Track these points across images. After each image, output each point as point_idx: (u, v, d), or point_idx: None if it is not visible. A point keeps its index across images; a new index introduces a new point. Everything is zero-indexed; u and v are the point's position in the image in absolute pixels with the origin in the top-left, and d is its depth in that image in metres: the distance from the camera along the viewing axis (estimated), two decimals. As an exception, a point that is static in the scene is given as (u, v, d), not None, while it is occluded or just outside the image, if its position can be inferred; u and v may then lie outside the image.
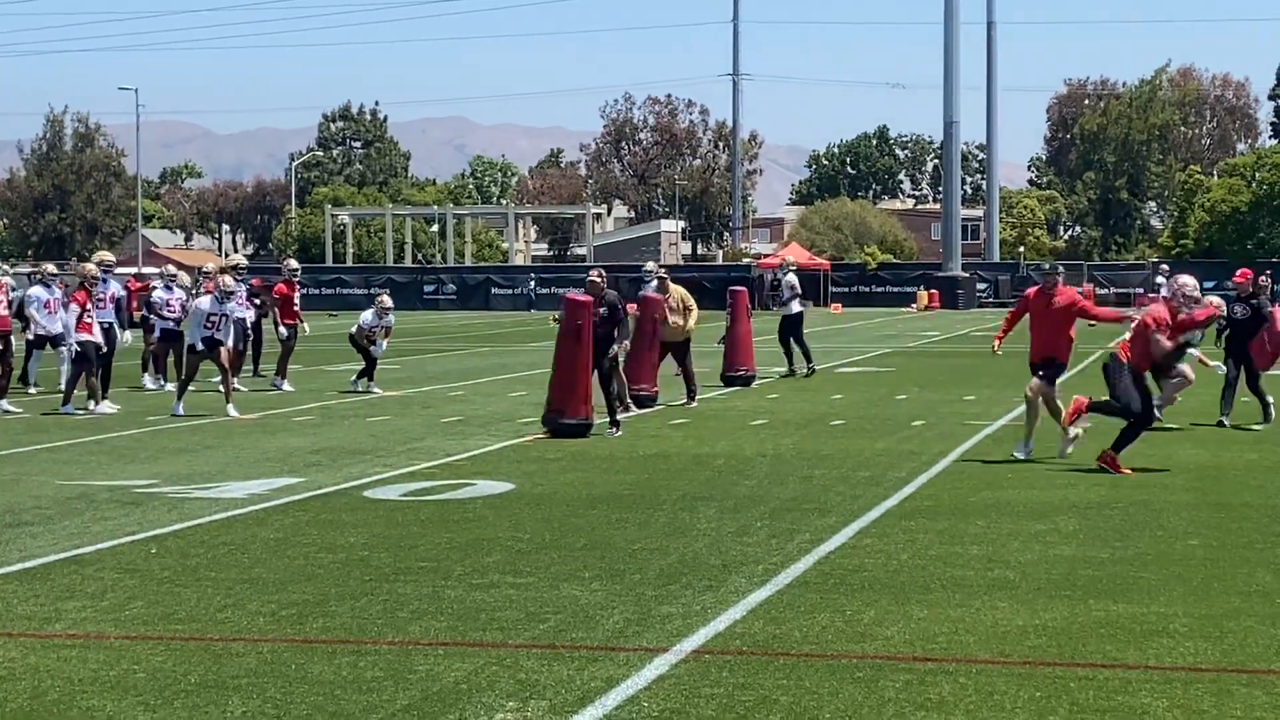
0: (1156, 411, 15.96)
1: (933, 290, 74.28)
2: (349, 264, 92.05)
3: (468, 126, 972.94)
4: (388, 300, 24.11)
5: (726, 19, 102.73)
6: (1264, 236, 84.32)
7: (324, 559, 10.07)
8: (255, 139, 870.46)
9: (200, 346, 20.08)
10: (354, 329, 23.84)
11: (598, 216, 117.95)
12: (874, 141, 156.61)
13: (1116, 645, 7.69)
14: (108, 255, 22.33)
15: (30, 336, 23.42)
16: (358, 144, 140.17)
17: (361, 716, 6.57)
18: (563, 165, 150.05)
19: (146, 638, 7.96)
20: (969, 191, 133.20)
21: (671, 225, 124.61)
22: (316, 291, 71.53)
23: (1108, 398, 14.42)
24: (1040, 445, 16.19)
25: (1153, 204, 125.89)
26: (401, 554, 10.22)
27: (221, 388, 20.35)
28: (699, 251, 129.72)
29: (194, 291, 25.12)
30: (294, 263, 27.00)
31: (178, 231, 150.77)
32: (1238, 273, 19.22)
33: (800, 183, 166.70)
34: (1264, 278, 19.84)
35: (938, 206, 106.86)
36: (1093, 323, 15.90)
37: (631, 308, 20.87)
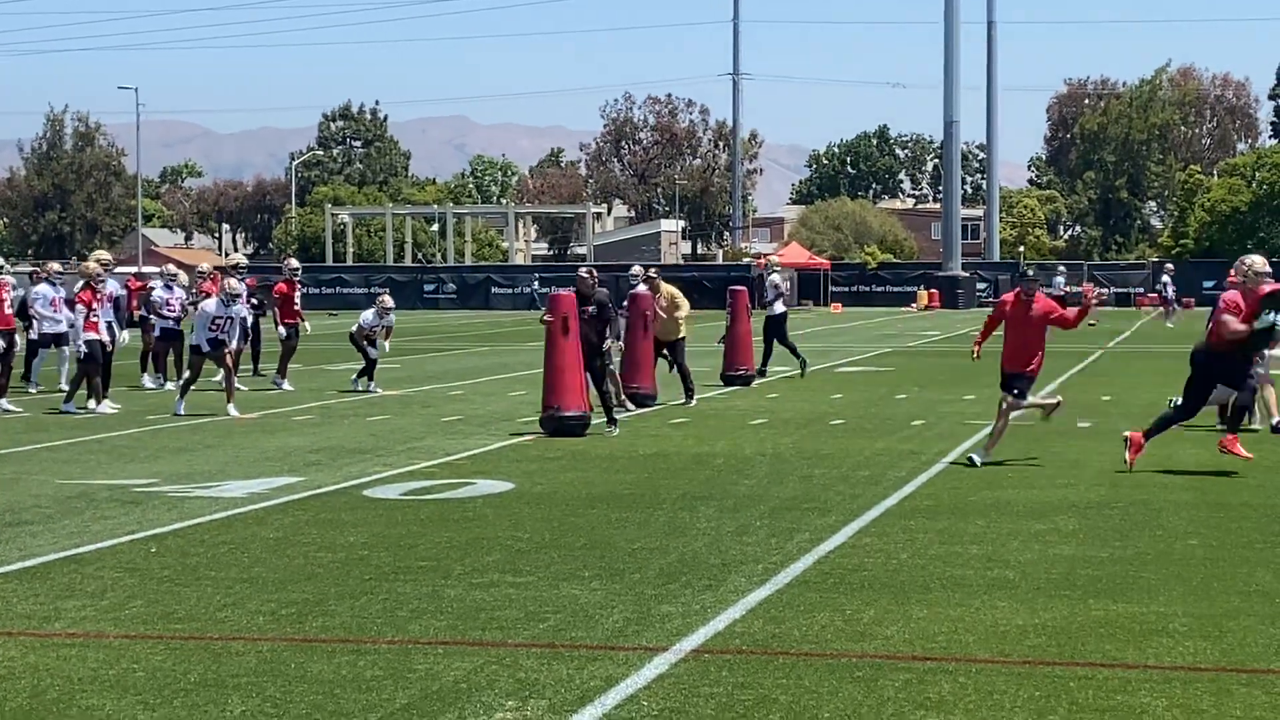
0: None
1: (933, 290, 74.28)
2: (349, 263, 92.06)
3: (468, 126, 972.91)
4: (389, 300, 24.10)
5: (727, 18, 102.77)
6: (1264, 236, 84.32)
7: (324, 558, 10.07)
8: (255, 138, 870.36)
9: (206, 348, 20.10)
10: (354, 328, 23.84)
11: (598, 216, 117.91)
12: (874, 141, 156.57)
13: (1116, 645, 7.69)
14: (105, 254, 22.30)
15: (34, 335, 23.44)
16: (358, 143, 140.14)
17: (361, 715, 6.57)
18: (563, 165, 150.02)
19: (146, 637, 7.96)
20: (969, 191, 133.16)
21: (671, 225, 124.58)
22: (316, 291, 71.51)
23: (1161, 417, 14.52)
24: (1041, 445, 16.20)
25: (1153, 204, 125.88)
26: (401, 553, 10.22)
27: (224, 386, 20.36)
28: (699, 251, 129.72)
29: (192, 291, 25.12)
30: (294, 262, 26.97)
31: (178, 231, 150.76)
32: (1234, 273, 18.91)
33: (800, 182, 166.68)
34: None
35: (938, 206, 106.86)
36: (1070, 327, 15.46)
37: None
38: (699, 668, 7.28)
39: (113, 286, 23.20)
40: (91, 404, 20.43)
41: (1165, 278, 51.51)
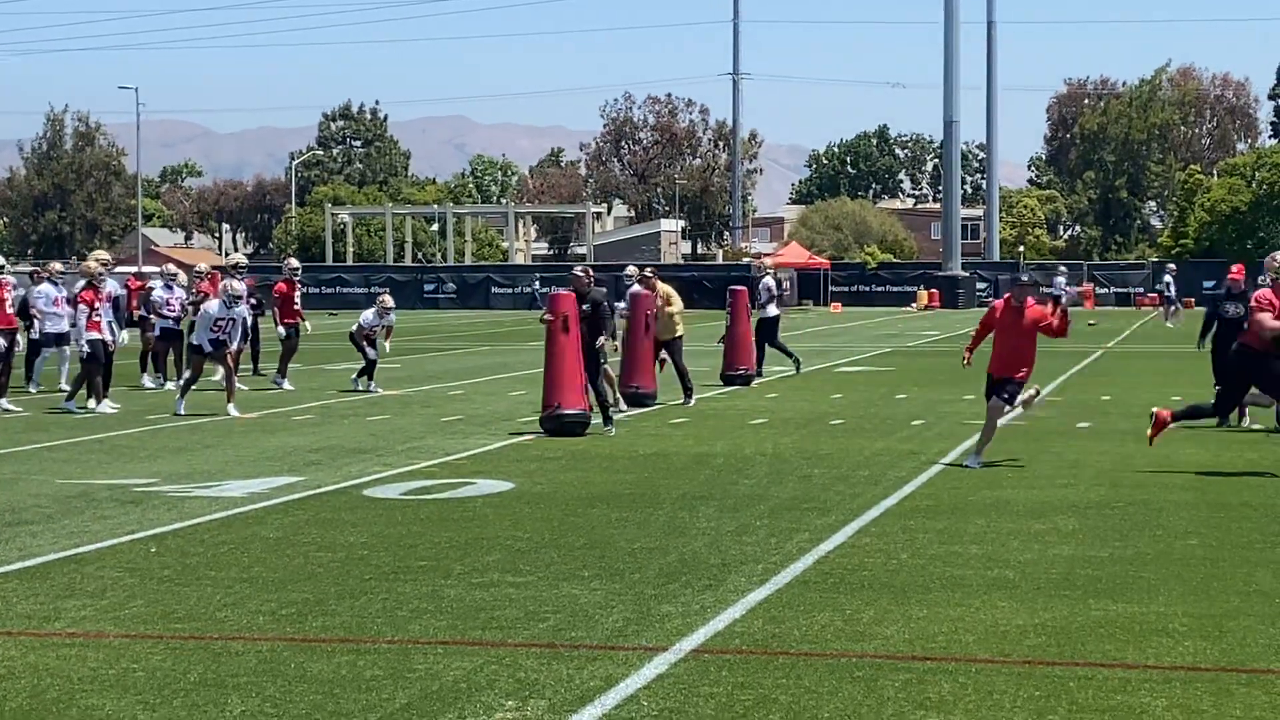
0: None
1: (932, 290, 74.24)
2: (349, 263, 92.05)
3: (468, 125, 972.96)
4: (389, 300, 24.08)
5: (727, 18, 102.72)
6: (1264, 236, 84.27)
7: (323, 558, 10.08)
8: (255, 138, 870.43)
9: (208, 349, 20.11)
10: (354, 327, 23.83)
11: (598, 216, 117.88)
12: (874, 141, 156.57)
13: (1116, 645, 7.69)
14: (104, 254, 22.29)
15: (35, 335, 23.44)
16: (358, 143, 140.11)
17: (361, 715, 6.57)
18: (563, 164, 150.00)
19: (146, 636, 7.96)
20: (969, 191, 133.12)
21: (671, 224, 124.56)
22: (316, 290, 71.50)
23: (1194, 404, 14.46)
24: (1041, 445, 16.21)
25: (1153, 203, 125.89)
26: (401, 553, 10.22)
27: (224, 385, 20.37)
28: (699, 251, 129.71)
29: (191, 291, 25.11)
30: (294, 261, 26.95)
31: (178, 230, 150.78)
32: (1234, 269, 18.89)
33: (800, 182, 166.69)
34: (1264, 278, 19.62)
35: (938, 206, 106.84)
36: (1059, 335, 15.02)
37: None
38: (699, 668, 7.28)
39: (112, 286, 23.19)
40: (91, 404, 20.44)
41: (1168, 278, 51.50)
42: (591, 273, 18.64)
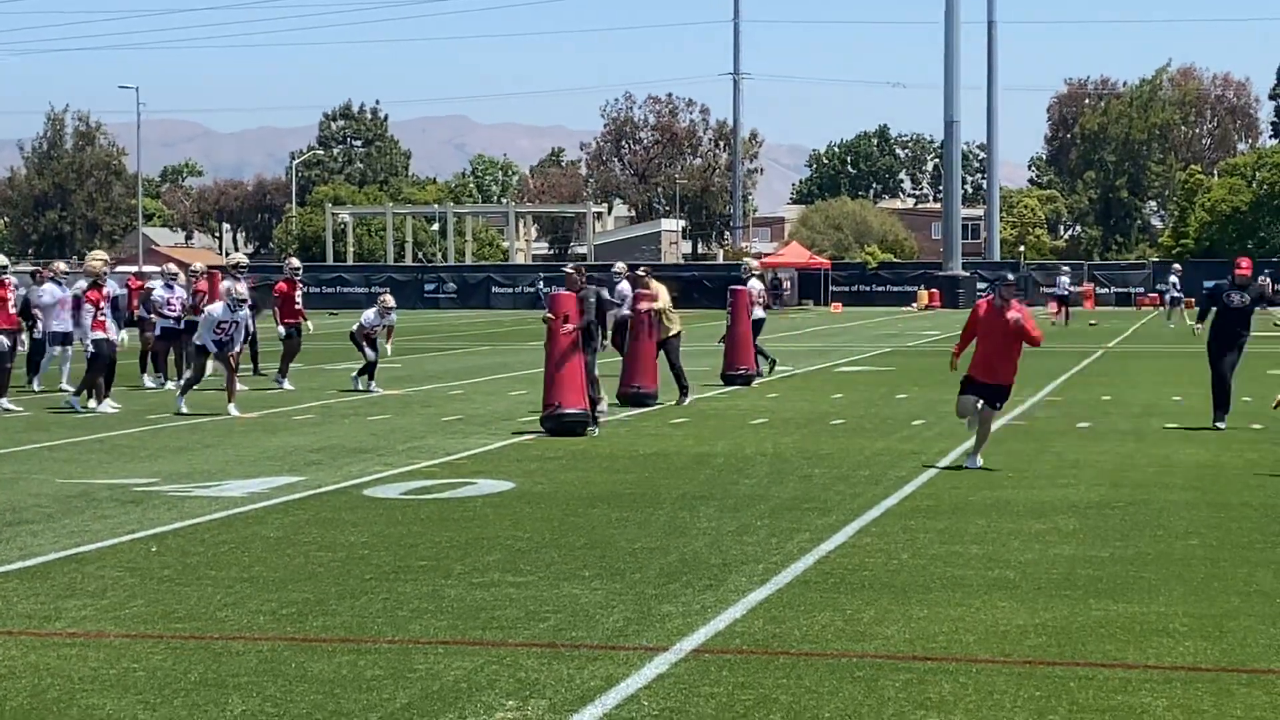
0: None
1: (933, 290, 74.24)
2: (350, 263, 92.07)
3: (468, 125, 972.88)
4: (390, 300, 24.07)
5: (727, 18, 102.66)
6: (1264, 236, 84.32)
7: (324, 558, 10.08)
8: (256, 138, 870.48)
9: (212, 349, 20.13)
10: (354, 327, 23.82)
11: (598, 215, 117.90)
12: (874, 141, 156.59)
13: (1116, 645, 7.69)
14: (102, 254, 22.29)
15: (38, 335, 23.46)
16: (358, 143, 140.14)
17: (361, 715, 6.57)
18: (563, 164, 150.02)
19: (146, 636, 7.96)
20: (969, 191, 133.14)
21: (672, 224, 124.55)
22: (317, 290, 71.47)
23: None
24: (1041, 445, 16.20)
25: (1153, 203, 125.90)
26: (401, 553, 10.22)
27: (225, 385, 20.38)
28: (699, 251, 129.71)
29: (189, 289, 25.08)
30: (295, 261, 26.91)
31: (178, 230, 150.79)
32: (1242, 263, 18.57)
33: (801, 182, 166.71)
34: (1264, 278, 19.64)
35: (938, 206, 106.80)
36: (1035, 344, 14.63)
37: (642, 304, 20.94)
38: (699, 667, 7.28)
39: (111, 286, 23.21)
40: (92, 403, 20.44)
41: (1173, 278, 51.57)
42: (584, 271, 18.64)
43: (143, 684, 7.05)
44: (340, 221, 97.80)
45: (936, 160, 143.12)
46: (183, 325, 23.91)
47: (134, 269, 59.79)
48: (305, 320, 25.27)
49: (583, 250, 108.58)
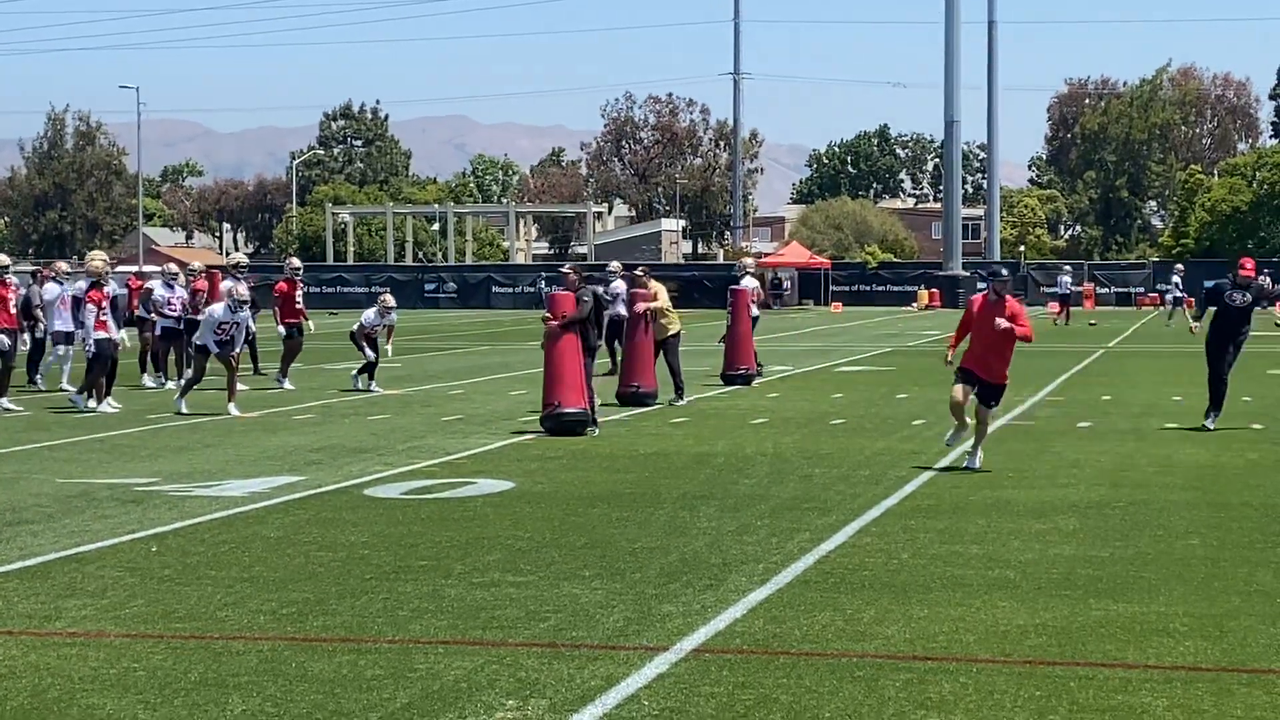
0: None
1: (933, 289, 74.21)
2: (350, 262, 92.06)
3: (468, 125, 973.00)
4: (390, 299, 24.07)
5: (727, 18, 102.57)
6: (1264, 236, 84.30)
7: (324, 557, 10.07)
8: (256, 137, 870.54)
9: (214, 349, 20.13)
10: (355, 327, 23.82)
11: (598, 215, 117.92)
12: (875, 140, 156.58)
13: (1117, 644, 7.69)
14: (101, 254, 22.28)
15: (40, 334, 23.47)
16: (359, 143, 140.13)
17: (361, 715, 6.57)
18: (563, 164, 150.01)
19: (147, 636, 7.96)
20: (969, 190, 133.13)
21: (672, 224, 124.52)
22: (317, 290, 71.49)
23: None
24: (1042, 445, 16.20)
25: (1153, 203, 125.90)
26: (402, 552, 10.22)
27: (225, 385, 20.39)
28: (700, 250, 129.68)
29: (187, 288, 25.08)
30: (296, 261, 26.89)
31: (179, 230, 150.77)
32: (1246, 263, 18.36)
33: (801, 182, 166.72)
34: (1264, 277, 19.54)
35: (938, 206, 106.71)
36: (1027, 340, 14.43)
37: (641, 305, 20.94)
38: (699, 667, 7.28)
39: (111, 286, 23.21)
40: (92, 403, 20.45)
41: (1175, 278, 51.61)
42: (580, 271, 18.67)
43: (143, 684, 7.05)
44: (340, 221, 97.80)
45: (937, 160, 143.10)
46: (183, 325, 23.91)
47: (134, 269, 59.77)
48: (306, 320, 25.26)
49: (583, 250, 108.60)
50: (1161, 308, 66.49)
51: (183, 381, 21.21)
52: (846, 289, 76.73)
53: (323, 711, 6.61)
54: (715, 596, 8.79)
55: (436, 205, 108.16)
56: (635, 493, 12.89)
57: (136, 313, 25.95)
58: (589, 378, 17.63)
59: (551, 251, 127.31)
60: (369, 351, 23.19)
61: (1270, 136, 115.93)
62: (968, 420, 14.37)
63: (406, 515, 11.77)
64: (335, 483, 13.57)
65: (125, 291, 27.36)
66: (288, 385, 24.06)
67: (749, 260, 29.34)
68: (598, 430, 17.45)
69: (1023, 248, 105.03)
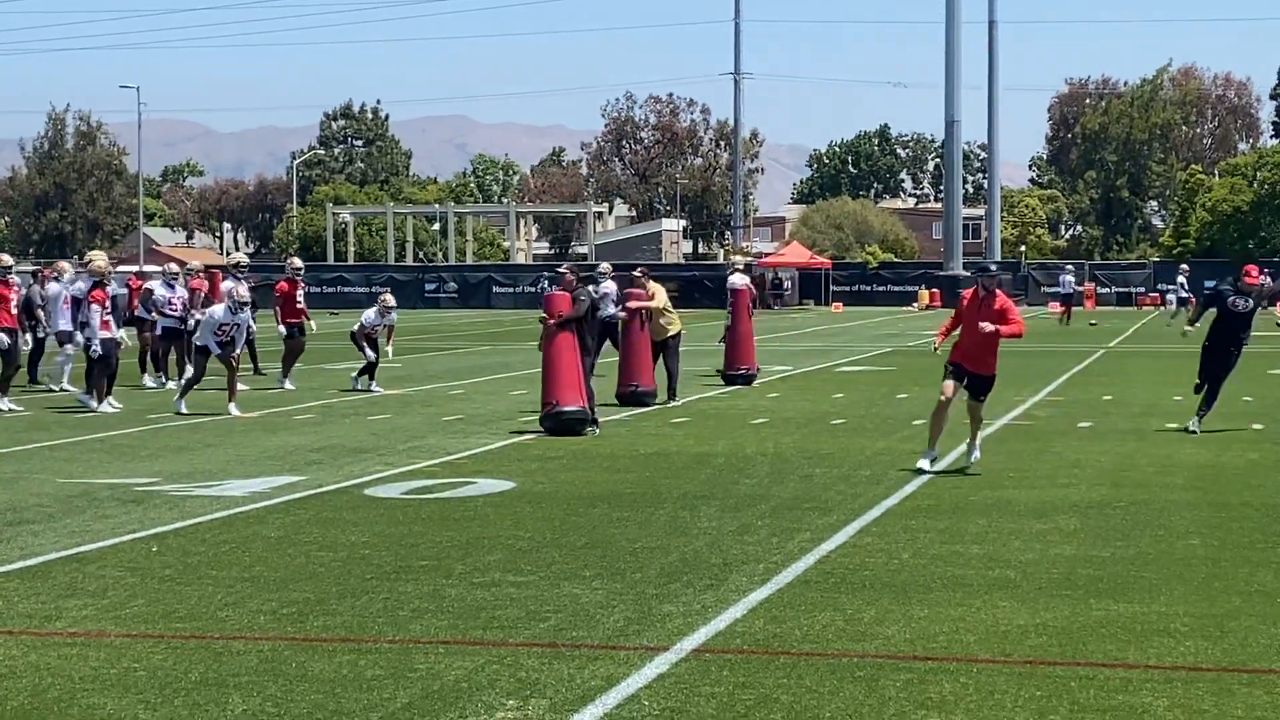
0: None
1: (934, 289, 74.19)
2: (350, 262, 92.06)
3: (469, 125, 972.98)
4: (390, 299, 24.07)
5: (728, 18, 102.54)
6: (1265, 236, 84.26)
7: (325, 557, 10.07)
8: (256, 137, 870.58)
9: (215, 350, 20.14)
10: (355, 327, 23.82)
11: (599, 215, 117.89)
12: (875, 140, 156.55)
13: (1117, 644, 7.69)
14: (102, 254, 22.29)
15: (41, 334, 23.47)
16: (359, 142, 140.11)
17: (362, 715, 6.57)
18: (564, 164, 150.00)
19: (147, 636, 7.97)
20: (970, 190, 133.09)
21: (673, 224, 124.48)
22: (318, 290, 71.45)
23: None
24: (1042, 445, 16.20)
25: (1154, 203, 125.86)
26: (402, 552, 10.22)
27: (226, 384, 20.40)
28: (700, 250, 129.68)
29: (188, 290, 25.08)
30: (298, 261, 26.85)
31: (179, 230, 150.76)
32: (1252, 271, 18.16)
33: (801, 181, 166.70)
34: (1264, 276, 19.46)
35: (939, 205, 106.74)
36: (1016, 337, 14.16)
37: (636, 302, 20.95)
38: (700, 667, 7.28)
39: (112, 286, 23.21)
40: (93, 403, 20.45)
41: (1181, 278, 51.67)
42: (577, 271, 18.71)
43: (143, 683, 7.05)
44: (341, 221, 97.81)
45: (937, 160, 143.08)
46: (184, 325, 23.91)
47: (134, 269, 59.78)
48: (308, 319, 25.25)
49: (583, 250, 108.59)
50: (1163, 308, 66.50)
51: (183, 382, 21.21)
52: (847, 289, 76.75)
53: (323, 711, 6.61)
54: (716, 596, 8.79)
55: (437, 205, 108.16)
56: (636, 493, 12.89)
57: (136, 313, 25.95)
58: (587, 377, 17.64)
59: (552, 251, 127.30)
60: (369, 352, 23.19)
61: (1271, 136, 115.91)
62: (943, 428, 14.17)
63: (407, 515, 11.77)
64: (336, 483, 13.58)
65: (125, 291, 27.35)
66: (288, 385, 24.05)
67: (738, 258, 29.29)
68: (598, 430, 17.45)
69: (1023, 248, 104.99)
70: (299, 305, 25.07)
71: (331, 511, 11.99)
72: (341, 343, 29.37)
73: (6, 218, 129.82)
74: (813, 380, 25.73)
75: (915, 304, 72.46)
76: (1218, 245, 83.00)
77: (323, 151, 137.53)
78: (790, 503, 12.27)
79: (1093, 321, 51.83)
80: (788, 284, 75.45)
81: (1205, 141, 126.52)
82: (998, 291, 14.21)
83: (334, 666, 7.32)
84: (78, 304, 21.81)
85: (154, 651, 7.63)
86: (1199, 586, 9.08)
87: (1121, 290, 73.64)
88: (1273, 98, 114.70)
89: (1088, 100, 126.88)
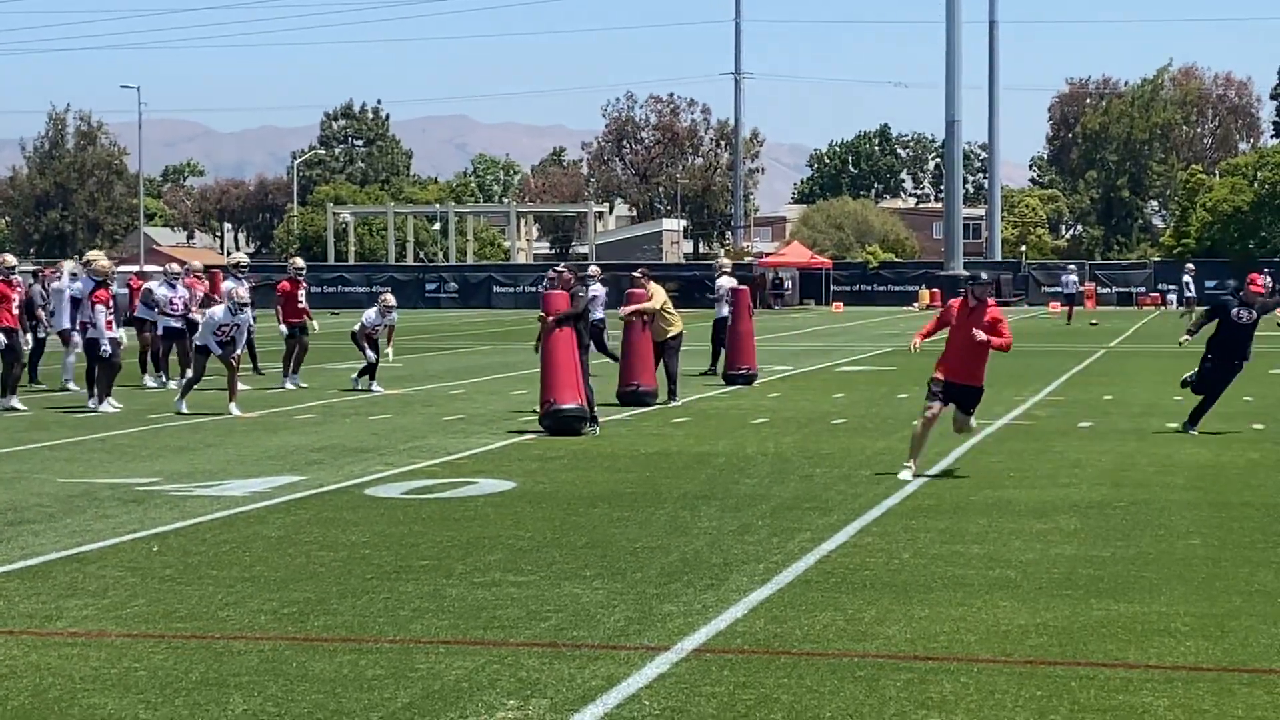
0: None
1: (934, 289, 74.19)
2: (351, 262, 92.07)
3: (469, 125, 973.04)
4: (391, 299, 24.07)
5: (728, 18, 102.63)
6: (1266, 236, 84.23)
7: (325, 557, 10.08)
8: (257, 137, 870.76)
9: (216, 350, 20.14)
10: (356, 327, 23.82)
11: (599, 215, 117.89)
12: (876, 140, 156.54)
13: (1118, 644, 7.69)
14: (101, 255, 22.30)
15: (42, 334, 23.48)
16: (359, 142, 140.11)
17: (362, 715, 6.57)
18: (564, 164, 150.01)
19: (148, 636, 7.97)
20: (970, 190, 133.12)
21: (673, 224, 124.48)
22: (319, 290, 71.44)
23: None
24: (1043, 445, 16.20)
25: (1154, 203, 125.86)
26: (403, 552, 10.22)
27: (226, 384, 20.41)
28: (701, 250, 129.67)
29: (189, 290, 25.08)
30: (300, 260, 26.84)
31: (179, 230, 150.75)
32: (1256, 279, 17.99)
33: (802, 181, 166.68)
34: (1264, 276, 19.42)
35: (939, 205, 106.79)
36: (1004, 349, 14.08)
37: (633, 302, 20.95)
38: (700, 667, 7.28)
39: (112, 286, 23.22)
40: (92, 403, 20.46)
41: (1186, 278, 51.66)
42: (575, 271, 18.75)
43: (144, 683, 7.05)
44: (341, 221, 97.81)
45: (938, 160, 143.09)
46: (184, 325, 23.90)
47: (135, 268, 59.78)
48: (310, 319, 25.24)
49: (584, 250, 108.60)
50: (1163, 308, 66.50)
51: (183, 382, 21.21)
52: (847, 289, 76.77)
53: (324, 711, 6.62)
54: (716, 596, 8.79)
55: (437, 205, 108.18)
56: (636, 492, 12.89)
57: (136, 313, 25.96)
58: (586, 376, 17.65)
59: (552, 251, 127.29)
60: (369, 352, 23.20)
61: (1271, 136, 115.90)
62: (924, 446, 13.90)
63: (407, 515, 11.77)
64: (336, 482, 13.58)
65: (125, 291, 27.34)
66: (289, 385, 24.06)
67: (726, 260, 29.30)
68: (598, 430, 17.46)
69: (1024, 247, 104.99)
70: (301, 305, 25.06)
71: (332, 511, 11.99)
72: (342, 343, 29.37)
73: (7, 217, 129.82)
74: (813, 380, 25.73)
75: (916, 304, 72.47)
76: (1218, 245, 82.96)
77: (323, 151, 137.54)
78: (791, 502, 12.28)
79: (1093, 321, 51.83)
80: (788, 284, 75.45)
81: (1206, 141, 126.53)
82: (989, 301, 14.10)
83: (334, 666, 7.32)
84: (76, 303, 21.79)
85: (155, 651, 7.63)
86: (1199, 586, 9.08)
87: (1122, 290, 73.64)
88: (1273, 97, 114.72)
89: (1088, 100, 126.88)
